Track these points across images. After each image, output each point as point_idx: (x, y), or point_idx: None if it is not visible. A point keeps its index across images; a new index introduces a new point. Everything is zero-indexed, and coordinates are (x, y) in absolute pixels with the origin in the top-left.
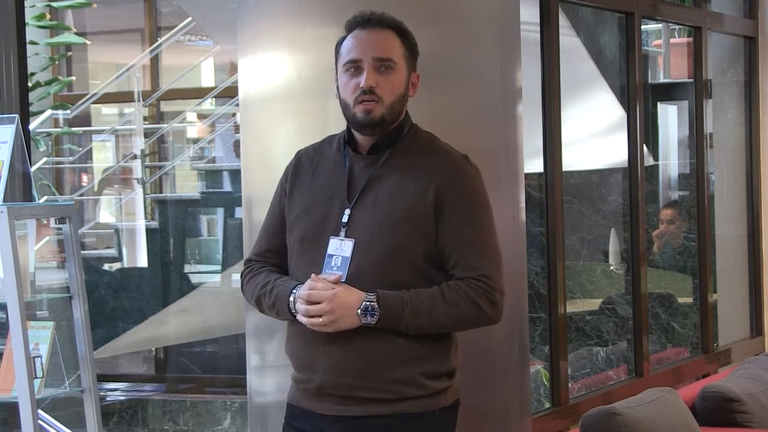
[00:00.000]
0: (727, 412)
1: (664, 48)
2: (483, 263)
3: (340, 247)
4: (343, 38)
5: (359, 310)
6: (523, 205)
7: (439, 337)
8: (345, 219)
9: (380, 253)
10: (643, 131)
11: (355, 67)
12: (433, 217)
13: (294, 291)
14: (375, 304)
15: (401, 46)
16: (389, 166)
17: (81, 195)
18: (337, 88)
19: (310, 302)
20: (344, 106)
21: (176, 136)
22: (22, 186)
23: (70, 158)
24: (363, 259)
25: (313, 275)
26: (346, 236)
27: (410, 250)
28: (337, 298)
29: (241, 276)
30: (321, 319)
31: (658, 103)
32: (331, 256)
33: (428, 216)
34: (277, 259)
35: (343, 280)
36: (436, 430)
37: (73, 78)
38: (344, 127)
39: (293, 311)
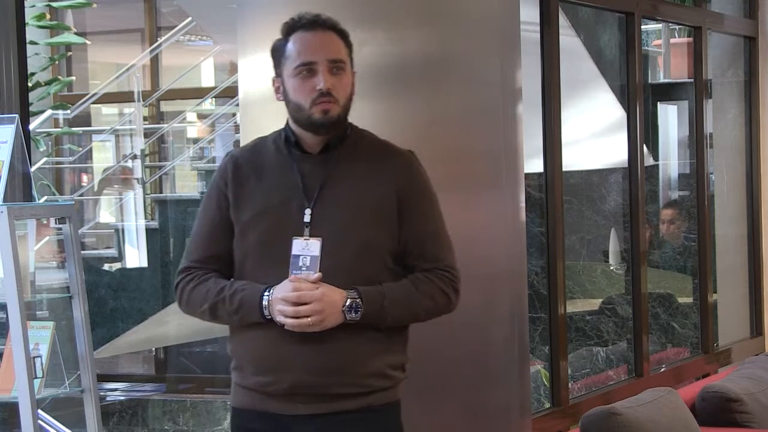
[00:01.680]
0: (727, 412)
1: (664, 48)
2: (445, 254)
3: (306, 247)
4: (284, 41)
5: (344, 308)
6: (523, 205)
7: (399, 329)
8: (307, 219)
9: (350, 251)
10: (643, 131)
11: (308, 69)
12: (397, 213)
13: (266, 294)
14: (358, 300)
15: (345, 47)
16: (342, 164)
17: (81, 195)
18: (282, 92)
19: (298, 303)
20: (296, 109)
21: (176, 136)
22: (22, 186)
23: (70, 158)
24: (332, 258)
25: (292, 276)
26: (311, 236)
27: (378, 246)
28: (325, 297)
29: (178, 285)
30: (309, 320)
31: (658, 103)
32: (297, 256)
33: (393, 213)
34: (220, 265)
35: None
36: (397, 420)
37: (73, 78)
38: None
39: (266, 314)
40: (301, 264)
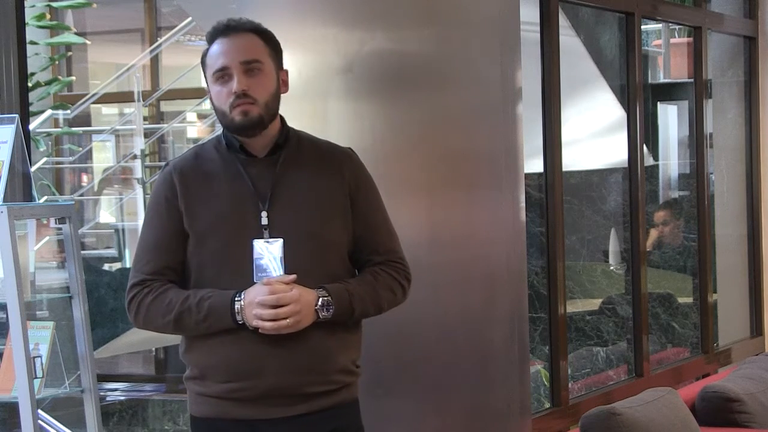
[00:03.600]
0: (727, 412)
1: (664, 48)
2: (396, 246)
3: (268, 249)
4: (207, 50)
5: (317, 307)
6: (523, 205)
7: (356, 325)
8: (264, 222)
9: (310, 250)
10: (643, 131)
11: (224, 74)
12: (350, 209)
13: (237, 299)
14: (329, 298)
15: (265, 46)
16: (289, 165)
17: (81, 195)
18: (211, 99)
19: (277, 306)
20: (221, 115)
21: (176, 136)
22: (22, 186)
23: (70, 158)
24: (294, 258)
25: (266, 279)
26: (271, 237)
27: (335, 243)
28: (302, 298)
29: (132, 299)
30: (287, 321)
31: (658, 103)
32: (260, 259)
33: (346, 209)
34: (174, 275)
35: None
36: (360, 417)
37: (73, 78)
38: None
39: (238, 319)
40: (265, 266)
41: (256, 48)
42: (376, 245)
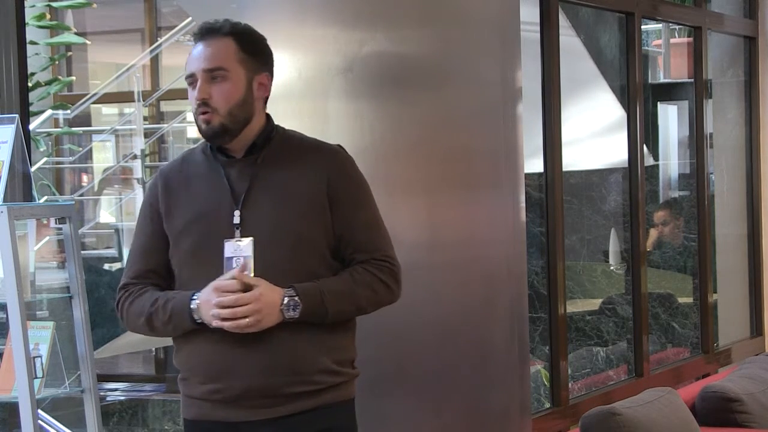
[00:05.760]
0: (727, 412)
1: (664, 48)
2: (382, 244)
3: (238, 248)
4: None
5: (282, 306)
6: (523, 205)
7: (343, 325)
8: (237, 221)
9: (284, 248)
10: (643, 131)
11: (192, 81)
12: (329, 207)
13: (194, 299)
14: (296, 297)
15: (238, 51)
16: (268, 164)
17: (81, 195)
18: None
19: (235, 306)
20: (194, 119)
21: (176, 136)
22: (22, 186)
23: (70, 158)
24: (267, 256)
25: (216, 280)
26: (242, 236)
27: (313, 241)
28: (263, 297)
29: (118, 303)
30: (247, 320)
31: (658, 103)
32: (231, 258)
33: (325, 206)
34: (158, 279)
35: (251, 275)
36: (351, 418)
37: (73, 78)
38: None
39: (197, 320)
40: (234, 266)
41: (223, 54)
42: (358, 243)
